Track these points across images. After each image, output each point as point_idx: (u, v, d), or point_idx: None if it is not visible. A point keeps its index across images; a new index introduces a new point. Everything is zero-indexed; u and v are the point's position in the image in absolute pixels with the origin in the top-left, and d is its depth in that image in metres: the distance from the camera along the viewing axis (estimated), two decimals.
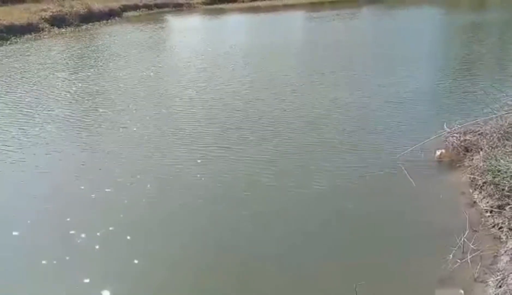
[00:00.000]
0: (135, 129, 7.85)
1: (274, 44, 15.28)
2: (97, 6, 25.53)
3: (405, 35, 15.77)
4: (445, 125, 6.32)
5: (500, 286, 3.50)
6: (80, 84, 11.12)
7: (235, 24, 22.95)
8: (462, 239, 4.20)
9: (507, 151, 5.08)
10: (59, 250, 4.63)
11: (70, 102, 9.80)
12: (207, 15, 27.29)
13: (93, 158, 6.81)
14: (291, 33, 18.18)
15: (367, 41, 15.35)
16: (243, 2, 31.05)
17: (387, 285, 3.88)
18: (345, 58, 12.52)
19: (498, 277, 3.56)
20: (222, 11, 27.81)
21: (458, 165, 5.73)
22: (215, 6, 30.10)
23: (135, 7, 29.40)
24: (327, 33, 17.83)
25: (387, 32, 17.34)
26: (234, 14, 26.92)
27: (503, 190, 4.45)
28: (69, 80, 11.66)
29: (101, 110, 9.09)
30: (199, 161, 6.40)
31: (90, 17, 24.46)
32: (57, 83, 11.34)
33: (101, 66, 13.10)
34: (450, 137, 6.11)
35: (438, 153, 5.95)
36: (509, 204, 4.25)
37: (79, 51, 15.68)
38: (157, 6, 30.54)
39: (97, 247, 4.68)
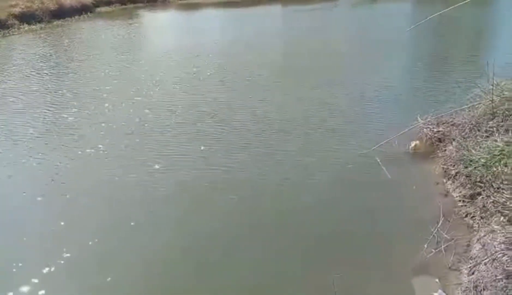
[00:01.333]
0: (94, 138, 7.27)
1: (253, 42, 15.03)
2: (68, 1, 24.84)
3: (379, 30, 15.88)
4: (418, 117, 6.42)
5: (472, 273, 3.58)
6: (36, 87, 10.38)
7: (211, 20, 22.72)
8: (436, 229, 4.28)
9: (478, 141, 5.19)
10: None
11: (23, 108, 8.98)
12: (182, 10, 26.93)
13: (46, 171, 6.24)
14: (271, 29, 18.02)
15: (342, 36, 15.41)
16: None
17: (363, 276, 3.92)
18: (318, 54, 12.51)
19: (471, 265, 3.64)
20: (197, 6, 27.46)
21: (432, 155, 5.83)
22: (190, 0, 29.71)
23: (108, 2, 28.66)
24: (304, 27, 17.84)
25: (363, 26, 17.47)
26: (210, 9, 26.60)
27: (474, 179, 4.54)
28: (27, 83, 10.87)
29: (57, 116, 8.42)
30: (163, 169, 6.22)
31: (61, 13, 23.73)
32: (13, 85, 10.64)
33: (65, 68, 12.33)
34: (424, 129, 6.20)
35: (412, 144, 6.04)
36: (480, 194, 4.34)
37: (45, 51, 14.91)
38: (131, 1, 29.95)
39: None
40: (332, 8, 23.67)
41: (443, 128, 6.10)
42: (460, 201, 4.67)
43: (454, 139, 5.66)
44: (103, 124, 7.80)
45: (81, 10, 25.18)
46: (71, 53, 14.54)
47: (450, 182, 5.10)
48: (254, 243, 4.51)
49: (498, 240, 3.46)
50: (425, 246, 4.13)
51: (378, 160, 5.75)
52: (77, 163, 6.48)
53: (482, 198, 4.25)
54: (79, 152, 6.75)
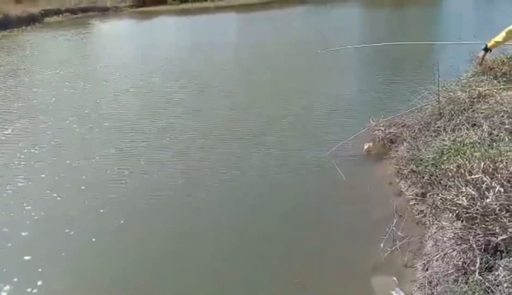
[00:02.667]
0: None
1: (203, 51, 14.97)
2: (14, 11, 23.88)
3: (328, 35, 16.24)
4: (371, 120, 6.59)
5: (426, 269, 3.71)
6: None
7: (163, 28, 22.50)
8: (391, 228, 4.41)
9: (428, 140, 5.38)
10: None
11: None
12: (135, 19, 26.52)
13: None
14: (220, 36, 18.04)
15: (293, 42, 15.61)
16: (172, 4, 30.59)
17: (322, 279, 3.97)
18: (270, 61, 12.66)
19: (424, 261, 3.77)
20: (150, 15, 27.14)
21: (385, 156, 6.01)
22: (143, 9, 29.31)
23: (58, 12, 27.85)
24: (256, 35, 18.01)
25: (313, 31, 17.83)
26: (162, 17, 26.40)
27: (424, 178, 4.71)
28: None
29: None
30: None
31: (7, 24, 22.80)
32: None
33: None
34: (376, 131, 6.38)
35: (365, 146, 6.20)
36: (429, 192, 4.51)
37: None
38: (82, 10, 29.19)
39: None
40: (284, 15, 24.03)
41: (395, 129, 6.30)
42: (412, 199, 4.82)
43: (405, 140, 5.86)
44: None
45: (29, 21, 24.28)
46: (9, 67, 13.82)
47: (402, 181, 5.27)
48: (206, 247, 4.50)
49: (448, 235, 3.60)
50: (381, 245, 4.23)
51: (334, 163, 5.86)
52: None
53: (431, 195, 4.42)
54: None
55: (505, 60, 6.31)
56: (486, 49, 5.81)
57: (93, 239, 4.78)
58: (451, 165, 4.12)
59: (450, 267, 3.37)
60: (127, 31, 22.42)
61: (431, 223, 4.24)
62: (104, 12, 29.03)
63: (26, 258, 4.56)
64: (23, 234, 4.99)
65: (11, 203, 5.65)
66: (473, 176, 3.63)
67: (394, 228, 4.39)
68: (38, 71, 13.13)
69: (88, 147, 7.21)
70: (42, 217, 5.31)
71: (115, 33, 21.60)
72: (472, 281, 3.08)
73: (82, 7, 29.43)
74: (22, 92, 10.94)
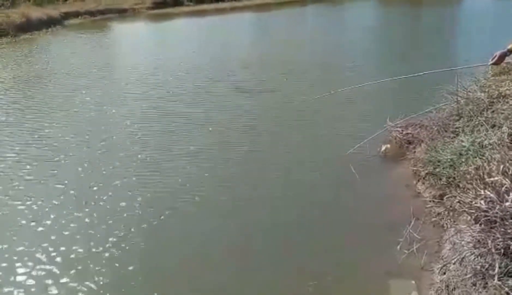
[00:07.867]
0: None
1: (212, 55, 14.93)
2: (35, 14, 24.38)
3: (345, 33, 16.17)
4: (388, 120, 6.53)
5: (444, 273, 3.66)
6: None
7: (180, 30, 22.65)
8: (408, 230, 4.36)
9: (446, 141, 5.32)
10: None
11: None
12: (153, 21, 26.82)
13: None
14: (234, 37, 18.05)
15: (307, 41, 15.56)
16: (188, 6, 30.82)
17: (339, 282, 3.94)
18: (285, 59, 12.64)
19: (441, 265, 3.72)
20: (167, 16, 27.40)
21: (402, 158, 5.95)
22: (160, 10, 29.59)
23: (77, 14, 28.36)
24: (270, 34, 18.01)
25: (329, 30, 17.78)
26: (180, 18, 26.63)
27: (442, 180, 4.65)
28: None
29: None
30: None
31: (28, 27, 23.26)
32: None
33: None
34: (393, 132, 6.32)
35: (383, 147, 6.15)
36: (447, 194, 4.45)
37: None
38: (101, 12, 29.65)
39: None
40: (299, 13, 24.00)
41: (412, 130, 6.23)
42: (430, 201, 4.77)
43: (422, 141, 5.79)
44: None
45: (49, 23, 24.74)
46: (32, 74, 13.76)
47: (420, 183, 5.21)
48: (221, 247, 4.52)
49: (465, 239, 3.55)
50: (398, 247, 4.19)
51: (350, 164, 5.82)
52: None
53: (449, 198, 4.36)
54: None
55: None
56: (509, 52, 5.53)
57: None
58: (470, 167, 4.06)
59: (468, 271, 3.32)
60: (146, 34, 22.55)
61: (449, 225, 4.19)
62: (122, 14, 29.40)
63: None
64: None
65: None
66: (492, 178, 3.56)
67: (411, 230, 4.34)
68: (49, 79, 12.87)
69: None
70: None
71: (133, 37, 21.58)
72: (491, 286, 3.03)
73: (101, 9, 29.88)
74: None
